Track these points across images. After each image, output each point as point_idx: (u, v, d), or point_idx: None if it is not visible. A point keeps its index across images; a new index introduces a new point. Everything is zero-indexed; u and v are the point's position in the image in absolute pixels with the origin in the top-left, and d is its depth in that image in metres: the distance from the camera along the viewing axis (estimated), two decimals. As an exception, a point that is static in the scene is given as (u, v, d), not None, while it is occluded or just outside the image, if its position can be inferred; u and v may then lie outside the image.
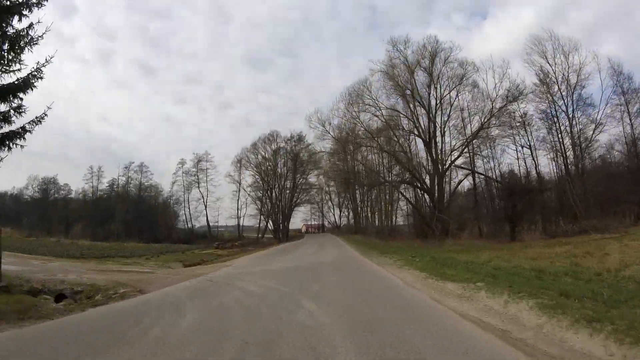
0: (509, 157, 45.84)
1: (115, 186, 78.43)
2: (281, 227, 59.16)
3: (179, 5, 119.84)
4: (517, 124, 38.79)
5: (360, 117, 35.83)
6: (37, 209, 77.57)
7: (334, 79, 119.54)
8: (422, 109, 35.46)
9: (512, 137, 40.08)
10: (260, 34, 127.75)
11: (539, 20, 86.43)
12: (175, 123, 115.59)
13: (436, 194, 34.74)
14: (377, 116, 36.42)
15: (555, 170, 41.59)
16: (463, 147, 35.13)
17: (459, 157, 35.86)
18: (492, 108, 33.59)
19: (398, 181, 37.30)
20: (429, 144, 35.26)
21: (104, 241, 61.75)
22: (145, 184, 75.70)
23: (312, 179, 62.98)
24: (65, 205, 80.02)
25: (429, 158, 35.76)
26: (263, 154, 59.12)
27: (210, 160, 68.18)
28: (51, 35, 11.57)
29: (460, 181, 40.55)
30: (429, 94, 34.56)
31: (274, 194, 58.95)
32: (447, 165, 35.91)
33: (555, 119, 38.13)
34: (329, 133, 37.32)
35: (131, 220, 72.32)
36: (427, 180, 37.17)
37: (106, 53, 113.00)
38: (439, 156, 35.49)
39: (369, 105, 35.72)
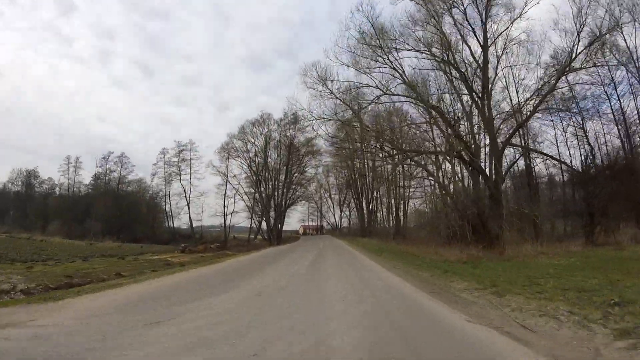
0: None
1: (100, 180, 64.92)
2: (272, 228, 45.16)
3: (178, 6, 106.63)
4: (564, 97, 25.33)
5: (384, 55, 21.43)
6: (20, 203, 65.15)
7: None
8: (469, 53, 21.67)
9: (556, 115, 26.80)
10: (259, 35, 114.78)
11: None
12: (174, 124, 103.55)
13: (493, 177, 20.89)
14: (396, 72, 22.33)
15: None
16: (536, 106, 21.23)
17: (525, 121, 22.07)
18: (575, 46, 19.82)
19: (444, 152, 22.77)
20: (481, 100, 21.47)
21: (79, 239, 48.44)
22: (127, 177, 62.02)
23: (310, 169, 49.54)
24: (45, 200, 67.72)
25: (481, 122, 22.01)
26: (252, 140, 45.35)
27: (195, 150, 54.49)
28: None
29: (514, 162, 26.90)
30: (483, 16, 20.61)
31: (266, 189, 45.15)
32: (509, 134, 22.12)
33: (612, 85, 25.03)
34: (332, 93, 23.33)
35: (110, 217, 59.14)
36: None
37: (105, 53, 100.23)
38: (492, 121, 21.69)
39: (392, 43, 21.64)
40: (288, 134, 44.38)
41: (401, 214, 40.32)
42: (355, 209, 54.53)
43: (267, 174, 44.80)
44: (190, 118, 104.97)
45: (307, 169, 47.09)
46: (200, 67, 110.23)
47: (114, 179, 63.81)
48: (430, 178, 27.32)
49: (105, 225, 57.69)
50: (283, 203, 45.93)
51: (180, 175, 53.85)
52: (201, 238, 50.07)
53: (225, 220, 50.37)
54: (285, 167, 43.90)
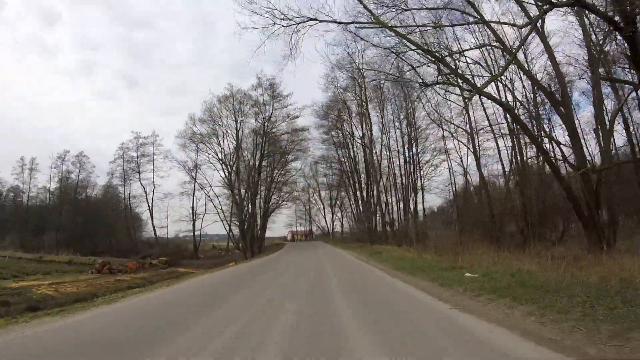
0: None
1: (62, 184, 52.18)
2: (246, 235, 32.43)
3: (162, 16, 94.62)
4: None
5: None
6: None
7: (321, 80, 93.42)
8: None
9: None
10: (245, 41, 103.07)
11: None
12: (160, 134, 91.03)
13: None
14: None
15: None
16: None
17: None
18: None
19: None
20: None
21: (35, 252, 38.21)
22: (88, 180, 49.21)
23: (295, 160, 37.22)
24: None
25: None
26: (223, 123, 32.96)
27: (159, 144, 41.02)
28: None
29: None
30: None
31: (238, 188, 32.31)
32: None
33: None
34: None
35: (71, 226, 47.40)
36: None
37: (89, 64, 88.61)
38: None
39: None
40: (264, 111, 31.96)
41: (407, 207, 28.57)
42: (352, 206, 42.42)
43: (239, 168, 32.59)
44: (177, 128, 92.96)
45: (290, 158, 34.80)
46: (185, 76, 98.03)
47: (73, 184, 51.26)
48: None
49: (65, 236, 46.16)
50: (263, 205, 34.02)
51: (139, 173, 41.46)
52: (156, 247, 37.84)
53: (194, 226, 38.33)
54: (259, 152, 31.36)
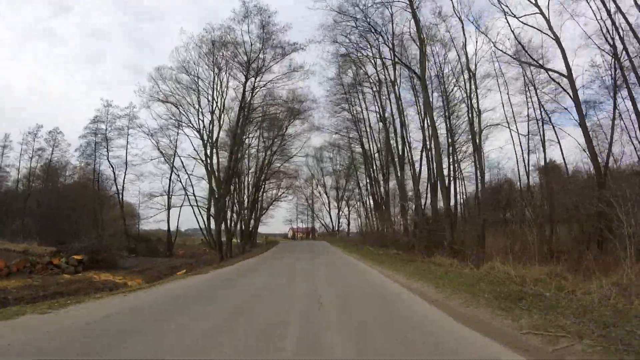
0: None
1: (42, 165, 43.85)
2: (213, 230, 23.08)
3: (170, 8, 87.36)
4: None
5: None
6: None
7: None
8: None
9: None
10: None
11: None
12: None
13: None
14: None
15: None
16: None
17: None
18: None
19: None
20: None
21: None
22: (60, 160, 40.68)
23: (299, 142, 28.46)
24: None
25: None
26: (197, 79, 23.83)
27: (135, 116, 31.37)
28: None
29: None
30: None
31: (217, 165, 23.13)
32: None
33: None
34: None
35: (38, 211, 39.52)
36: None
37: (96, 54, 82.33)
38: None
39: None
40: (248, 52, 22.50)
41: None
42: (363, 199, 33.67)
43: (217, 135, 23.47)
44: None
45: (290, 132, 25.65)
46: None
47: (52, 164, 42.84)
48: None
49: (33, 222, 38.47)
50: (253, 192, 25.34)
51: (107, 149, 32.77)
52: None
53: (168, 216, 29.92)
54: (242, 111, 21.87)
